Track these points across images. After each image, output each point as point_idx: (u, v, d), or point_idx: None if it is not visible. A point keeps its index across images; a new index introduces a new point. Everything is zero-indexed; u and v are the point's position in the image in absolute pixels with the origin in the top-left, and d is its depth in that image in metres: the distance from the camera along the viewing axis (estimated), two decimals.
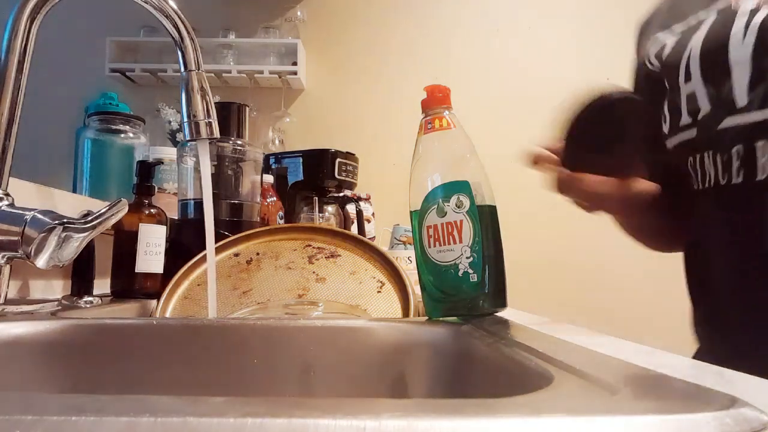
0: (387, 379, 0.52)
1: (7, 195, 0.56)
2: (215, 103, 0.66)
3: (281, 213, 1.29)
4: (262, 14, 2.72)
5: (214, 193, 0.80)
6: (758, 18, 0.57)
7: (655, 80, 0.71)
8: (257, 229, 0.91)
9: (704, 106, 0.62)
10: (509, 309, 0.55)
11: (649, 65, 0.72)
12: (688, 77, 0.64)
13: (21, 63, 0.58)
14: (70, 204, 0.86)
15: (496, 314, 0.54)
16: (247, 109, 1.10)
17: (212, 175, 0.95)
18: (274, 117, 2.67)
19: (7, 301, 0.58)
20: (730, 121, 0.59)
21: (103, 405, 0.20)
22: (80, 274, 0.75)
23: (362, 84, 2.68)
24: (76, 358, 0.51)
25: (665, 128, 0.69)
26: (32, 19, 0.58)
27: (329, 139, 2.20)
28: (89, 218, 0.56)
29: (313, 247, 0.85)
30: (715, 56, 0.60)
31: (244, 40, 2.65)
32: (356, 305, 0.76)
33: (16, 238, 0.53)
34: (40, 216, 0.53)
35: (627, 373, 0.28)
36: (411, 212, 0.56)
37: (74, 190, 1.18)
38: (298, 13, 2.72)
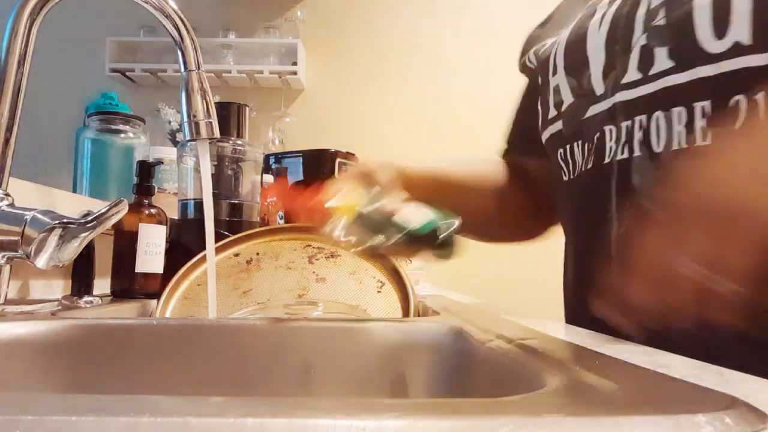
0: (387, 379, 0.52)
1: (7, 195, 0.56)
2: (215, 103, 0.66)
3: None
4: (262, 14, 2.72)
5: (214, 193, 0.80)
6: (613, 7, 0.58)
7: (532, 80, 0.72)
8: (257, 229, 0.91)
9: (567, 98, 0.63)
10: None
11: (528, 63, 0.73)
12: (554, 71, 0.65)
13: (21, 63, 0.58)
14: (70, 204, 0.86)
15: (494, 314, 0.54)
16: (247, 109, 1.10)
17: (212, 175, 0.95)
18: (274, 117, 2.67)
19: (7, 301, 0.58)
20: (593, 110, 0.59)
21: (103, 405, 0.20)
22: (80, 274, 0.75)
23: (362, 84, 2.68)
24: (76, 358, 0.51)
25: (540, 124, 0.69)
26: (32, 19, 0.58)
27: (329, 139, 2.20)
28: (89, 218, 0.56)
29: (313, 247, 0.85)
30: (576, 47, 0.61)
31: (244, 40, 2.66)
32: (356, 305, 0.76)
33: (16, 238, 0.53)
34: (40, 216, 0.53)
35: (626, 373, 0.28)
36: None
37: (74, 190, 1.18)
38: (298, 13, 2.72)
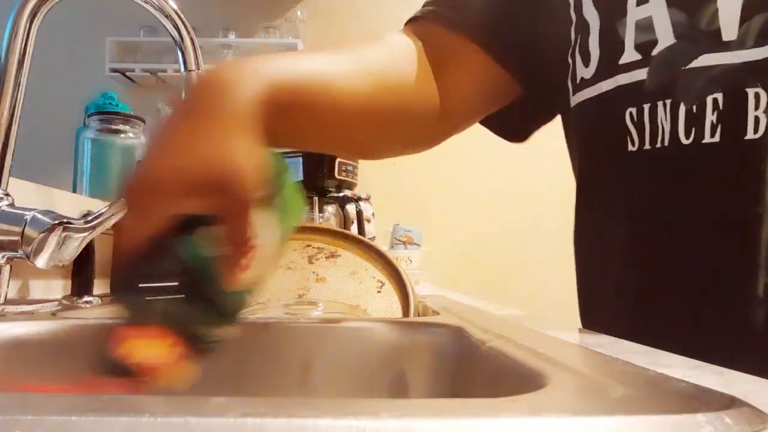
0: (387, 379, 0.52)
1: (7, 195, 0.56)
2: None
3: None
4: (262, 14, 2.72)
5: None
6: None
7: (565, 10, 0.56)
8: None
9: (664, 38, 0.47)
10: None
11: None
12: None
13: (21, 63, 0.58)
14: (70, 204, 0.86)
15: (494, 312, 0.54)
16: None
17: None
18: None
19: (7, 301, 0.58)
20: (708, 59, 0.45)
21: (103, 405, 0.20)
22: (80, 274, 0.75)
23: None
24: (76, 358, 0.51)
25: (581, 74, 0.54)
26: (32, 19, 0.58)
27: None
28: (89, 218, 0.56)
29: (313, 247, 0.85)
30: None
31: (244, 40, 2.66)
32: (356, 305, 0.76)
33: (16, 238, 0.53)
34: (40, 216, 0.53)
35: (626, 373, 0.28)
36: None
37: (74, 190, 1.18)
38: (298, 13, 2.72)
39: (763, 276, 0.44)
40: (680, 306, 0.49)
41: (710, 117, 0.45)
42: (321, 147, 0.62)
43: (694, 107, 0.46)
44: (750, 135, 0.44)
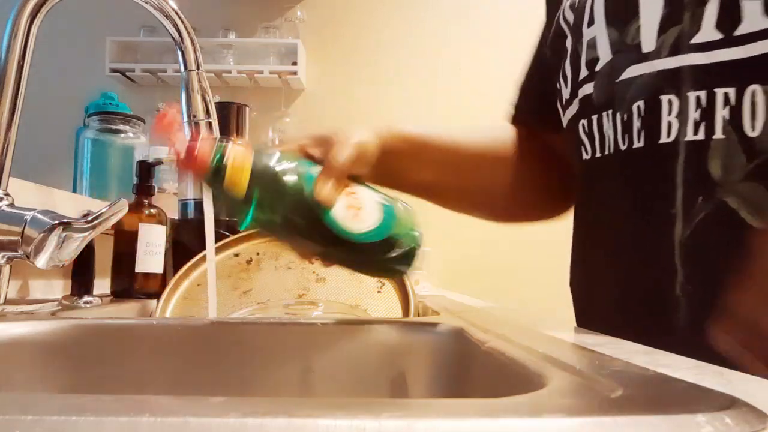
0: (387, 379, 0.52)
1: (7, 195, 0.56)
2: (215, 103, 0.66)
3: None
4: (262, 14, 2.72)
5: None
6: None
7: (561, 42, 0.59)
8: (257, 229, 0.91)
9: (604, 54, 0.51)
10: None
11: (561, 22, 0.59)
12: (591, 20, 0.53)
13: (21, 63, 0.58)
14: (70, 204, 0.86)
15: (494, 314, 0.54)
16: (247, 109, 1.10)
17: None
18: (274, 117, 2.67)
19: (7, 301, 0.58)
20: (633, 71, 0.48)
21: (103, 405, 0.20)
22: (80, 274, 0.75)
23: (362, 84, 2.68)
24: (76, 358, 0.51)
25: (564, 95, 0.58)
26: (32, 19, 0.58)
27: None
28: (89, 218, 0.56)
29: None
30: None
31: (244, 40, 2.65)
32: (356, 305, 0.76)
33: (16, 238, 0.53)
34: (40, 216, 0.53)
35: (626, 373, 0.28)
36: None
37: (74, 190, 1.18)
38: (298, 13, 2.72)
39: (680, 276, 0.45)
40: (613, 306, 0.53)
41: (636, 123, 0.48)
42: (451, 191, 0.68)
43: (625, 115, 0.49)
44: (664, 139, 0.46)
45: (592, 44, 0.52)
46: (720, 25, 0.43)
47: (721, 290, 0.43)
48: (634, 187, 0.49)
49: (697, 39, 0.44)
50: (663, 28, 0.46)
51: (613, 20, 0.50)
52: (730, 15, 0.43)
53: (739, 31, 0.42)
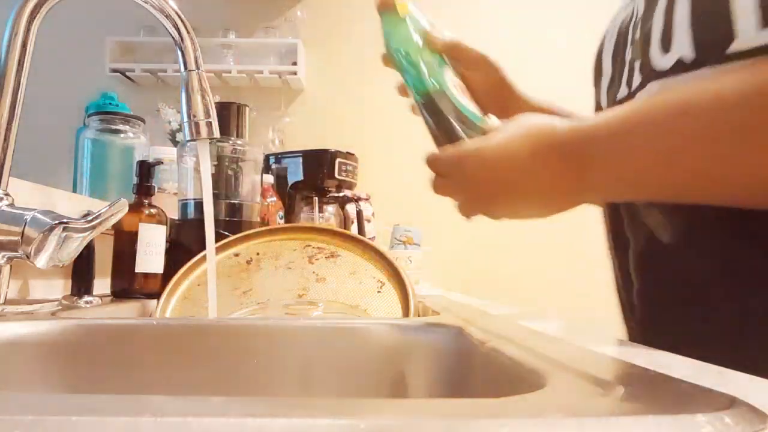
0: (387, 379, 0.52)
1: (7, 195, 0.56)
2: (215, 103, 0.66)
3: (281, 213, 1.29)
4: (262, 14, 2.72)
5: (214, 193, 0.80)
6: (628, 10, 0.53)
7: None
8: (257, 229, 0.91)
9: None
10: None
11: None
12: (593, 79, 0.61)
13: (21, 63, 0.58)
14: (70, 204, 0.86)
15: (494, 314, 0.54)
16: (247, 109, 1.10)
17: (212, 175, 0.95)
18: (274, 117, 2.67)
19: (7, 301, 0.58)
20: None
21: (103, 405, 0.20)
22: (80, 274, 0.75)
23: (362, 84, 2.68)
24: (76, 358, 0.51)
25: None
26: (32, 19, 0.58)
27: (329, 139, 2.20)
28: (89, 218, 0.56)
29: (313, 247, 0.85)
30: (598, 57, 0.59)
31: (244, 40, 2.66)
32: (356, 305, 0.76)
33: (16, 238, 0.53)
34: (40, 216, 0.53)
35: (626, 373, 0.28)
36: None
37: (74, 190, 1.18)
38: (298, 13, 2.72)
39: (637, 283, 0.53)
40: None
41: None
42: None
43: None
44: None
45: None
46: (628, 81, 0.50)
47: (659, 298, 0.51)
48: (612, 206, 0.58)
49: (619, 95, 0.52)
50: (609, 88, 0.55)
51: (595, 81, 0.59)
52: (630, 73, 0.50)
53: (634, 85, 0.49)
